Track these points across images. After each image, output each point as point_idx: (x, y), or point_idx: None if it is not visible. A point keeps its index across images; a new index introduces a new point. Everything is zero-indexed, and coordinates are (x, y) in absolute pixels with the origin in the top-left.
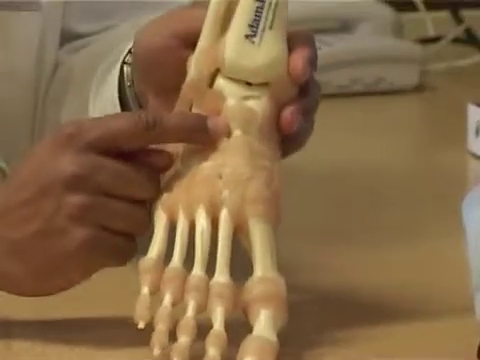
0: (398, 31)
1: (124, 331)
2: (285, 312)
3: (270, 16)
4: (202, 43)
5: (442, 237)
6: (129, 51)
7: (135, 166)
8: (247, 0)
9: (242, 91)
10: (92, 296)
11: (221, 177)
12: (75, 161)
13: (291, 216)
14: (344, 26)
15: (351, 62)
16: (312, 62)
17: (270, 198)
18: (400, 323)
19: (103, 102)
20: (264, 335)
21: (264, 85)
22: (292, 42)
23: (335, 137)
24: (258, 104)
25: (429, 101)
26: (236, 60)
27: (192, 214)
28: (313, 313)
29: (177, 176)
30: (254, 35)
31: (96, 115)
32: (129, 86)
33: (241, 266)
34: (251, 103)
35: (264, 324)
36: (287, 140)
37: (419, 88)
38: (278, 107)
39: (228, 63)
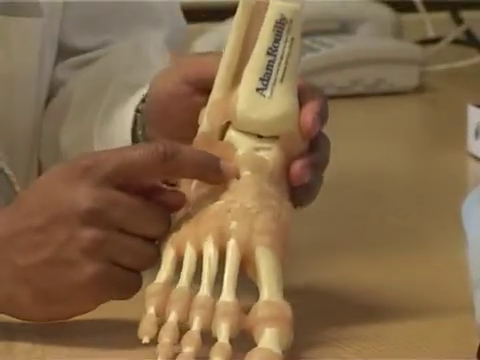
0: (398, 32)
1: (126, 336)
2: (290, 333)
3: (281, 70)
4: (214, 96)
5: (442, 238)
6: (142, 100)
7: (149, 203)
8: (259, 54)
9: (253, 143)
10: None
11: (230, 211)
12: (91, 195)
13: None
14: (344, 27)
15: (351, 63)
16: (322, 117)
17: (277, 231)
18: (400, 323)
19: (113, 142)
20: (269, 347)
21: (275, 138)
22: (302, 95)
23: (335, 138)
24: (269, 154)
25: (429, 102)
26: (247, 114)
27: (200, 245)
28: (313, 314)
29: (187, 217)
30: (265, 88)
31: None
32: (141, 134)
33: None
34: (262, 153)
35: (269, 339)
36: (297, 194)
37: (419, 89)
38: (288, 159)
39: (239, 117)
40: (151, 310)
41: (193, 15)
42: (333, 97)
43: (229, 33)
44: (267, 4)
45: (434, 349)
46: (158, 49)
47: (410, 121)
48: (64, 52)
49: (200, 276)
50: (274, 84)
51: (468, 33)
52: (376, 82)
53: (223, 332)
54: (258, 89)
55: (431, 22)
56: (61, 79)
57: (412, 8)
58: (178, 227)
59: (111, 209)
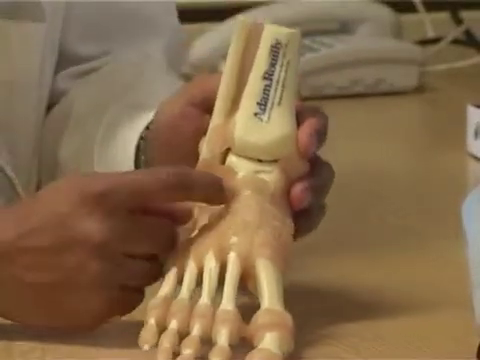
0: (398, 32)
1: (126, 336)
2: (291, 340)
3: (278, 93)
4: (214, 122)
5: (442, 238)
6: (146, 127)
7: (158, 223)
8: (255, 79)
9: (253, 167)
10: None
11: (231, 228)
12: (104, 227)
13: None
14: (344, 27)
15: (351, 63)
16: (319, 134)
17: (278, 247)
18: (400, 323)
19: (115, 166)
20: (269, 347)
21: (275, 161)
22: (301, 116)
23: (335, 138)
24: (270, 177)
25: (429, 102)
26: (245, 139)
27: (201, 261)
28: (312, 314)
29: (189, 238)
30: (262, 113)
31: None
32: (143, 160)
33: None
34: (263, 176)
35: (270, 341)
36: (298, 219)
37: (419, 89)
38: (289, 181)
39: (238, 142)
40: (152, 321)
41: (193, 15)
42: (333, 97)
43: (226, 59)
44: (262, 28)
45: (434, 349)
46: (159, 63)
47: (410, 121)
48: (66, 60)
49: (200, 291)
50: (271, 108)
51: (468, 33)
52: (376, 82)
53: (223, 337)
54: (256, 114)
55: (431, 22)
56: (62, 88)
57: (412, 8)
58: (181, 246)
59: (123, 240)
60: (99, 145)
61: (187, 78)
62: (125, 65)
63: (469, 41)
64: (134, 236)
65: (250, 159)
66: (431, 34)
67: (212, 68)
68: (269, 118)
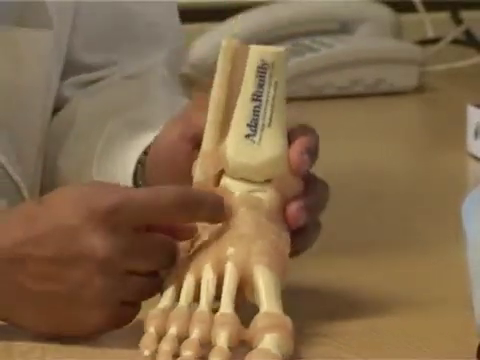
0: (397, 32)
1: (126, 336)
2: (291, 342)
3: (268, 114)
4: (205, 147)
5: (442, 238)
6: (144, 152)
7: (160, 240)
8: (244, 100)
9: (248, 187)
10: None
11: (228, 241)
12: (108, 244)
13: None
14: (344, 27)
15: (351, 63)
16: (311, 152)
17: (276, 256)
18: (399, 324)
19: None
20: (269, 347)
21: (268, 181)
22: (292, 134)
23: (336, 138)
24: (265, 195)
25: (429, 102)
26: (238, 161)
27: (199, 274)
28: (312, 314)
29: (188, 255)
30: (253, 134)
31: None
32: (141, 184)
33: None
34: (258, 194)
35: (269, 342)
36: (295, 238)
37: (419, 89)
38: (284, 200)
39: (231, 164)
40: (151, 329)
41: (193, 15)
42: (333, 97)
43: (214, 79)
44: (248, 49)
45: (434, 349)
46: (162, 74)
47: (410, 121)
48: (72, 69)
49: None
50: (262, 129)
51: (468, 33)
52: (376, 82)
53: (222, 338)
54: (247, 135)
55: (431, 22)
56: (67, 96)
57: (412, 8)
58: (180, 263)
59: (125, 257)
60: (98, 159)
61: (187, 78)
62: (130, 78)
63: (469, 41)
64: (136, 254)
65: (244, 180)
66: (431, 34)
67: (212, 68)
68: (260, 139)
